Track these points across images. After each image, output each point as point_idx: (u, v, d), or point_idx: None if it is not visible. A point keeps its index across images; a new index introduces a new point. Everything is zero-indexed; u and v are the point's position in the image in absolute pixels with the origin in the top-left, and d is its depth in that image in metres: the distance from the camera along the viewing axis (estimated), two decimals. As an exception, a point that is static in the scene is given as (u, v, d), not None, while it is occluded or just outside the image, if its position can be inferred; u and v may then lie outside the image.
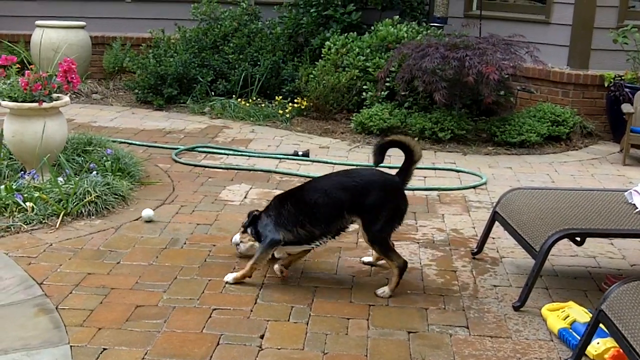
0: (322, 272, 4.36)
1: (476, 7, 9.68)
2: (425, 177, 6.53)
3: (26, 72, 5.52)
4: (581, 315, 3.70)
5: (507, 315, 3.90)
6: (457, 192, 6.11)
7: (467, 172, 6.69)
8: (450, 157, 7.27)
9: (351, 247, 4.76)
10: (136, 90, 9.33)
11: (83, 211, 5.07)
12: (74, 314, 3.72)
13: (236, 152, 7.11)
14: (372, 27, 9.07)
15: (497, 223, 4.60)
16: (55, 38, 9.77)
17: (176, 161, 6.67)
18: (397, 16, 9.20)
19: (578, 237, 4.21)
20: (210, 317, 3.76)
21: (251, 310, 3.84)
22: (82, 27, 10.17)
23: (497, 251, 4.80)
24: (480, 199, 5.92)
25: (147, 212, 5.13)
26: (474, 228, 5.23)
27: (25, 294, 3.86)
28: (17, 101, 5.45)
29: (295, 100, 8.78)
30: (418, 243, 4.90)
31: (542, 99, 8.63)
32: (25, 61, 6.04)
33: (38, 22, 10.05)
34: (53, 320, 3.63)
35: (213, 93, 9.20)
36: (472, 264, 4.58)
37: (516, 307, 3.97)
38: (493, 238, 4.88)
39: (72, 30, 10.02)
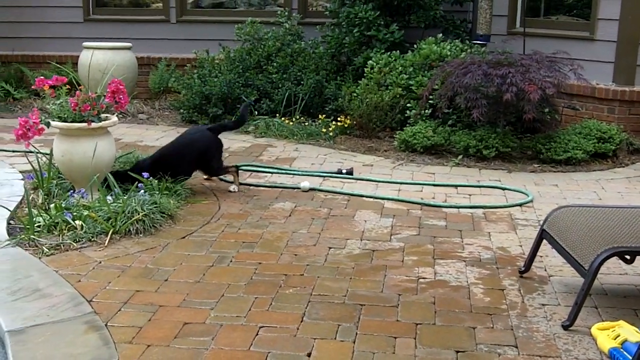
0: (367, 290, 4.35)
1: (520, 24, 9.64)
2: (470, 195, 6.48)
3: (76, 92, 5.64)
4: (632, 334, 3.64)
5: (556, 335, 3.84)
6: (503, 210, 6.06)
7: (513, 190, 6.63)
8: (495, 174, 7.21)
9: (397, 266, 4.75)
10: (181, 110, 9.46)
11: (131, 229, 5.14)
12: (123, 331, 3.77)
13: (280, 171, 7.15)
14: (415, 46, 9.08)
15: (544, 241, 4.56)
16: (102, 59, 9.95)
17: (221, 179, 6.73)
18: (440, 34, 9.19)
19: (628, 255, 4.15)
20: (257, 334, 3.77)
21: (297, 328, 3.85)
22: (128, 48, 10.35)
23: (545, 269, 4.74)
24: (526, 217, 5.86)
25: (305, 184, 6.42)
26: (520, 246, 5.17)
27: (75, 311, 3.92)
28: (66, 121, 5.56)
29: (339, 119, 8.81)
30: (464, 261, 4.86)
31: (587, 116, 8.53)
32: (74, 82, 6.14)
33: (85, 44, 10.25)
34: (102, 337, 3.68)
35: (257, 112, 9.28)
36: (520, 282, 4.52)
37: (565, 326, 3.91)
38: (541, 256, 4.83)
39: (118, 52, 10.20)
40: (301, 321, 3.93)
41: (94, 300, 4.10)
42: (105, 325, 3.82)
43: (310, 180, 6.74)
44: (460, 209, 6.05)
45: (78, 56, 10.31)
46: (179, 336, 3.74)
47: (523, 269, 4.63)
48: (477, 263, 4.84)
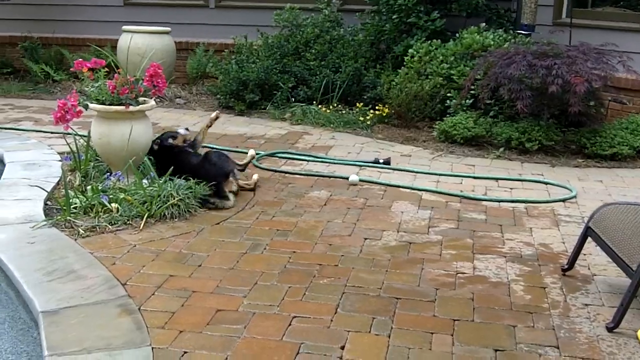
0: (404, 283, 4.24)
1: (566, 14, 9.41)
2: (512, 188, 6.33)
3: (114, 75, 5.60)
4: (681, 339, 3.50)
5: (599, 337, 3.71)
6: (546, 205, 5.90)
7: (556, 185, 6.46)
8: (537, 168, 7.04)
9: (434, 259, 4.64)
10: (218, 96, 9.41)
11: (166, 214, 5.10)
12: (155, 315, 3.72)
13: (316, 159, 7.06)
14: (457, 35, 8.91)
15: (588, 239, 4.41)
16: (141, 43, 9.94)
17: (257, 166, 6.66)
18: (483, 24, 9.01)
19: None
20: (290, 324, 3.70)
21: (331, 320, 3.76)
22: (167, 33, 10.32)
23: (589, 268, 4.58)
24: (570, 213, 5.69)
25: (354, 177, 6.24)
26: (563, 243, 5.02)
27: (109, 293, 3.88)
28: (104, 104, 5.53)
29: (377, 108, 8.69)
30: (505, 257, 4.73)
31: (634, 110, 8.29)
32: (113, 65, 6.11)
33: (125, 27, 10.25)
34: (135, 321, 3.63)
35: (294, 99, 9.20)
36: (563, 281, 4.38)
37: (610, 328, 3.77)
38: (584, 254, 4.67)
39: (157, 36, 10.18)
40: (335, 312, 3.84)
41: (127, 283, 4.06)
42: (139, 309, 3.78)
43: (346, 170, 6.64)
44: (501, 203, 5.91)
45: (117, 40, 10.32)
46: (212, 323, 3.68)
47: (566, 267, 4.49)
48: (517, 259, 4.71)
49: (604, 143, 7.38)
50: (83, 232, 4.76)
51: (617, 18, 9.01)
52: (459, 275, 4.40)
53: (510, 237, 5.11)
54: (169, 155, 5.78)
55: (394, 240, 4.94)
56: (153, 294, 3.94)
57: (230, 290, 4.03)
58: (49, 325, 3.55)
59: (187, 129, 6.15)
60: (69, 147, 6.12)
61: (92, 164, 5.88)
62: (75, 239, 4.68)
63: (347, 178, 6.36)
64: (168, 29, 10.37)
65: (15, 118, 8.42)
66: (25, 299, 3.86)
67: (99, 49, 10.16)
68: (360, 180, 6.35)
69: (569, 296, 4.17)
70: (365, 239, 4.95)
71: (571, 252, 4.52)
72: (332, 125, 8.43)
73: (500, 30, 8.95)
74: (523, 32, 9.04)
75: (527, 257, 4.76)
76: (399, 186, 6.23)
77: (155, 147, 5.84)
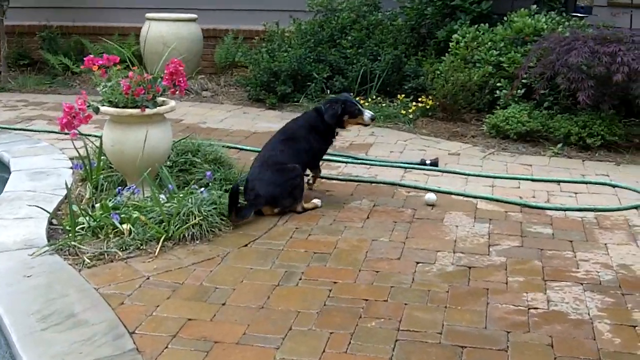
0: (467, 325, 3.54)
1: (623, -7, 8.58)
2: (576, 193, 5.60)
3: (129, 73, 4.95)
4: None
5: None
6: (618, 213, 5.15)
7: (626, 188, 5.71)
8: (601, 167, 6.28)
9: (500, 289, 3.93)
10: (248, 87, 8.75)
11: (186, 235, 4.44)
12: (169, 376, 3.08)
13: (355, 161, 6.37)
14: (505, 18, 8.14)
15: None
16: (166, 31, 9.36)
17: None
18: (534, 5, 8.21)
19: None
20: (333, 385, 3.04)
21: (383, 377, 3.10)
22: (193, 20, 9.69)
23: (683, 298, 3.86)
24: (647, 224, 4.96)
25: (430, 197, 5.24)
26: (647, 264, 4.30)
27: (114, 347, 3.23)
28: (117, 107, 4.89)
29: (420, 99, 7.96)
30: (581, 284, 4.00)
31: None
32: (129, 61, 5.46)
33: (148, 15, 9.63)
34: (144, 385, 3.00)
35: (329, 91, 8.49)
36: (656, 316, 3.67)
37: None
38: (675, 280, 3.95)
39: (183, 23, 9.57)
40: (387, 367, 3.17)
41: (137, 332, 3.40)
42: (149, 367, 3.14)
43: (390, 173, 5.95)
44: (567, 212, 5.18)
45: (141, 28, 9.69)
46: (237, 384, 3.03)
47: (658, 299, 3.77)
48: (597, 287, 3.98)
49: (676, 137, 6.59)
50: (89, 260, 4.12)
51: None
52: (531, 311, 3.69)
53: (584, 257, 4.38)
54: None
55: (451, 265, 4.24)
56: (166, 347, 3.28)
57: (260, 340, 3.35)
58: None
59: None
60: (78, 153, 5.49)
61: (104, 172, 5.24)
62: (80, 270, 4.04)
63: (393, 184, 5.68)
64: (194, 15, 9.73)
65: (29, 116, 7.80)
66: (14, 354, 3.23)
67: (122, 38, 9.73)
68: (405, 186, 5.66)
69: (667, 339, 3.45)
70: (418, 262, 4.25)
71: (665, 282, 3.79)
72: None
73: (553, 12, 8.15)
74: (579, 14, 8.25)
75: (607, 283, 4.04)
76: (451, 193, 5.52)
77: None
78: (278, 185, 4.94)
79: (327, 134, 5.37)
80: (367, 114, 5.39)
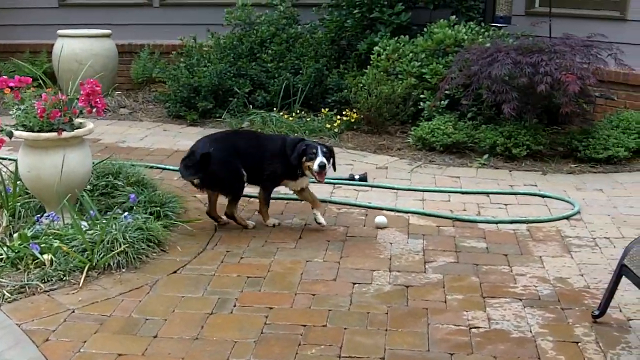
0: (410, 348, 3.44)
1: (538, 4, 8.71)
2: (506, 204, 5.61)
3: (43, 95, 4.69)
4: None
5: (661, 412, 2.99)
6: (549, 224, 5.18)
7: (554, 198, 5.75)
8: (528, 177, 6.33)
9: (440, 308, 3.86)
10: (167, 104, 8.51)
11: (111, 263, 4.21)
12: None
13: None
14: (425, 29, 8.16)
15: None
16: (79, 48, 9.02)
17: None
18: (453, 16, 8.26)
19: None
20: (276, 420, 2.89)
21: (327, 407, 2.97)
22: (107, 36, 9.39)
23: (620, 310, 3.86)
24: (579, 234, 4.98)
25: (381, 220, 5.06)
26: (582, 276, 4.30)
27: (39, 392, 3.01)
28: (32, 130, 4.62)
29: (344, 113, 7.90)
30: (521, 300, 3.97)
31: (621, 105, 7.64)
32: (41, 80, 5.18)
33: (60, 32, 9.27)
34: None
35: (252, 106, 8.34)
36: (596, 330, 3.65)
37: (671, 398, 3.06)
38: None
39: (97, 39, 9.25)
40: (331, 396, 3.05)
41: (63, 373, 3.19)
42: (78, 408, 2.92)
43: (319, 189, 5.83)
44: (499, 224, 5.17)
45: (53, 44, 9.32)
46: None
47: (597, 312, 3.75)
48: (536, 302, 3.96)
49: (598, 145, 6.70)
50: (9, 294, 3.85)
51: (597, 6, 8.32)
52: (473, 330, 3.63)
53: (521, 272, 4.36)
54: None
55: (388, 284, 4.15)
56: (97, 389, 3.09)
57: (197, 375, 3.20)
58: None
59: None
60: (-7, 179, 5.18)
61: (21, 199, 4.95)
62: (0, 305, 3.78)
63: (323, 201, 5.55)
64: (108, 31, 9.42)
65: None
66: None
67: (33, 56, 9.34)
68: (336, 203, 5.56)
69: (608, 354, 3.43)
70: (354, 283, 4.15)
71: (604, 295, 3.78)
72: (296, 134, 7.60)
73: (472, 23, 8.21)
74: (498, 24, 8.33)
75: (545, 298, 4.02)
76: (381, 208, 5.44)
77: None
78: None
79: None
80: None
